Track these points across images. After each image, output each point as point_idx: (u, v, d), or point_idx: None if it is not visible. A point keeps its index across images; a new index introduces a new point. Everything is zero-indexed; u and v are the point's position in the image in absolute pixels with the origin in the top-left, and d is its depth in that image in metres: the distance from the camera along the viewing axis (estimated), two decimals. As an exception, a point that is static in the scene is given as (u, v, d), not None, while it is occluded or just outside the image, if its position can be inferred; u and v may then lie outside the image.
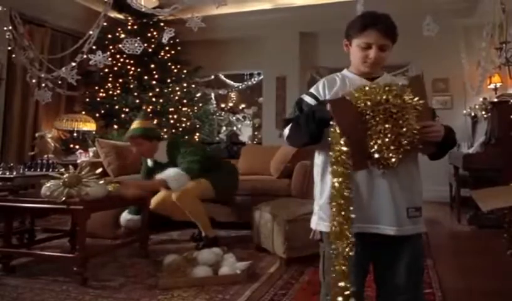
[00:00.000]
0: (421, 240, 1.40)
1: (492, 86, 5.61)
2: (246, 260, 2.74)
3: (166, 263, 2.65)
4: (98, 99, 6.16)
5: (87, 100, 6.28)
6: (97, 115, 6.16)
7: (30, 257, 2.97)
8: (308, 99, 1.42)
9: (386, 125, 1.21)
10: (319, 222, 1.39)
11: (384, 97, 1.21)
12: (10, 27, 4.88)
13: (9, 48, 5.04)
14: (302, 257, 2.81)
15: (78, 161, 4.81)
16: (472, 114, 5.43)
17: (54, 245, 3.30)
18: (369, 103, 1.21)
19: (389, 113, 1.21)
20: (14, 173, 3.71)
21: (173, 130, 6.03)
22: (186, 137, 6.08)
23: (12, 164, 3.89)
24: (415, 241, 1.36)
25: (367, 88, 1.24)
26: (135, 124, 3.50)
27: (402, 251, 1.35)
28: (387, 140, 1.22)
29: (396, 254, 1.35)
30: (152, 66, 6.24)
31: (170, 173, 3.24)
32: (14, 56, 4.98)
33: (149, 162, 3.55)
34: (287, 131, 1.41)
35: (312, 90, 1.45)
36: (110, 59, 4.41)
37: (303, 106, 1.41)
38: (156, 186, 3.31)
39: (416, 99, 1.23)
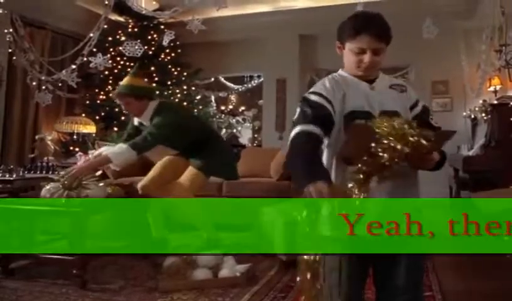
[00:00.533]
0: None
1: (492, 88, 5.60)
2: (246, 263, 2.74)
3: (166, 265, 2.64)
4: (98, 101, 6.16)
5: (87, 102, 6.28)
6: (97, 117, 6.16)
7: (29, 259, 2.95)
8: (314, 97, 1.32)
9: (388, 163, 1.18)
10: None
11: (400, 148, 1.17)
12: (11, 30, 4.88)
13: (10, 50, 5.04)
14: (302, 259, 2.80)
15: (78, 163, 4.79)
16: (472, 116, 5.43)
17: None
18: (385, 142, 1.17)
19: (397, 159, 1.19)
20: (14, 175, 3.71)
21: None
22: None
23: (12, 166, 3.89)
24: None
25: (396, 126, 1.18)
26: (125, 80, 3.24)
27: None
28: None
29: (396, 255, 1.34)
30: (153, 68, 6.25)
31: (114, 149, 3.05)
32: (14, 58, 4.98)
33: (135, 121, 3.34)
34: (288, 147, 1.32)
35: (317, 90, 1.35)
36: (110, 61, 4.42)
37: (306, 108, 1.31)
38: (102, 163, 3.15)
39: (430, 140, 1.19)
